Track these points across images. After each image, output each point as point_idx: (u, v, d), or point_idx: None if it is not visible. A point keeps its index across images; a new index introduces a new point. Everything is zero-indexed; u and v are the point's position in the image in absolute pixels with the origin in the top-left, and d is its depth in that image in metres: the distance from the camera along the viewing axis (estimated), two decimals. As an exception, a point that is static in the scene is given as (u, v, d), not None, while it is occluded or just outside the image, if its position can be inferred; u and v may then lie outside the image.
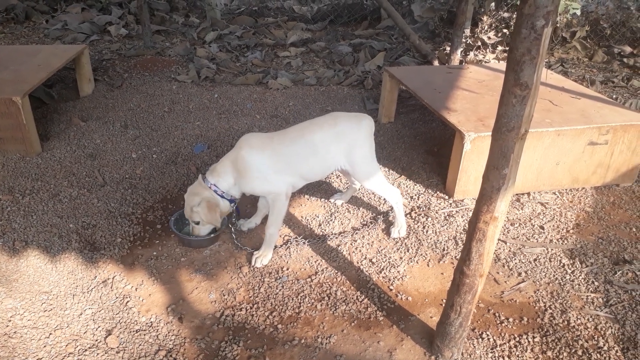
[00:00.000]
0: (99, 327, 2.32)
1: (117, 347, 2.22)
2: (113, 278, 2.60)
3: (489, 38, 6.26)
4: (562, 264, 2.75)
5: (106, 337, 2.26)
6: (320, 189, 3.40)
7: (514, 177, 1.77)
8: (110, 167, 3.59)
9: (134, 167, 3.61)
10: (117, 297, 2.49)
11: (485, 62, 5.85)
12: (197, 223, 2.74)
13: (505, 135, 1.69)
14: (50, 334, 2.26)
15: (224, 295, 2.53)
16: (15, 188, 3.27)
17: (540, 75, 1.61)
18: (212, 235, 2.83)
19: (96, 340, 2.25)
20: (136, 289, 2.55)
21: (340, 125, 2.73)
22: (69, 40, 6.20)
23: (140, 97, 4.77)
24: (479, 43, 6.13)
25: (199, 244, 2.84)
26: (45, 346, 2.20)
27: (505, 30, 6.34)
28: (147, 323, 2.35)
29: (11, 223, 2.94)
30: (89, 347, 2.21)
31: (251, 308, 2.45)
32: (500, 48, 6.14)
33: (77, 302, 2.44)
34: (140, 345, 2.24)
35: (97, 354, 2.18)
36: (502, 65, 4.58)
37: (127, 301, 2.47)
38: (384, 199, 3.07)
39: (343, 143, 2.73)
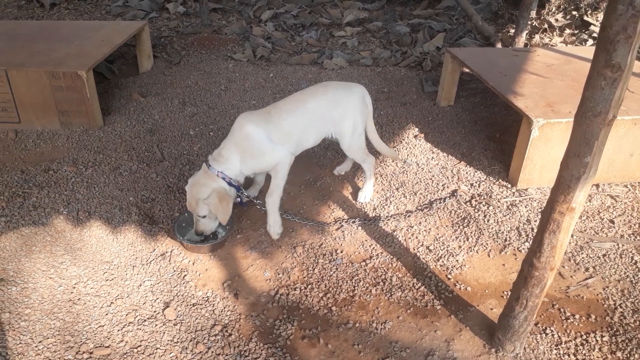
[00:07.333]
0: (157, 298, 2.36)
1: (175, 319, 2.26)
2: (171, 252, 2.64)
3: (557, 20, 5.93)
4: (634, 261, 2.58)
5: (164, 309, 2.31)
6: (376, 172, 3.32)
7: (596, 166, 1.66)
8: (168, 143, 3.64)
9: (191, 144, 3.64)
10: (174, 271, 2.53)
11: (552, 45, 5.56)
12: (204, 217, 2.59)
13: (591, 120, 1.57)
14: (112, 302, 2.33)
15: (278, 274, 2.52)
16: (79, 160, 3.37)
17: (635, 57, 1.48)
18: (219, 240, 2.68)
19: (154, 312, 2.29)
20: (193, 264, 2.58)
21: (331, 93, 2.81)
22: (129, 17, 6.33)
23: (197, 74, 4.81)
24: (546, 25, 5.82)
25: (200, 249, 2.64)
26: (107, 314, 2.27)
27: (574, 13, 5.99)
28: (203, 297, 2.38)
29: (75, 194, 3.04)
30: (148, 318, 2.26)
31: (305, 288, 2.44)
32: (568, 31, 5.81)
33: (136, 274, 2.50)
34: (196, 319, 2.27)
35: (156, 325, 2.23)
36: (572, 49, 4.32)
37: (185, 275, 2.50)
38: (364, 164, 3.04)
39: (335, 111, 2.80)
